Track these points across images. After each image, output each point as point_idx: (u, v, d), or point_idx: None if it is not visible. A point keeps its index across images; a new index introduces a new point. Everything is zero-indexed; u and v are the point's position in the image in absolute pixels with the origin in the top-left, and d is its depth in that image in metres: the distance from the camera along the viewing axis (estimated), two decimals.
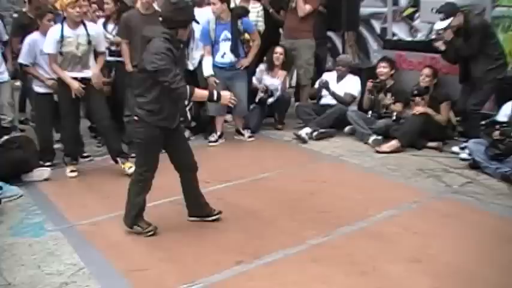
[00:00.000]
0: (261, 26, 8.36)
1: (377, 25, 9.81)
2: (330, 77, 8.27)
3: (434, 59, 7.45)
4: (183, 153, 4.88)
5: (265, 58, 8.43)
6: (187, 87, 4.50)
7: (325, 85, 8.07)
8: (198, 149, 7.23)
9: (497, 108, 6.54)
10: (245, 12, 7.67)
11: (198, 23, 5.03)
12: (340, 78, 8.19)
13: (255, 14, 8.28)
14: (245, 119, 7.85)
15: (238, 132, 7.86)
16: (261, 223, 4.97)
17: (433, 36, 6.92)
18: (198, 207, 5.02)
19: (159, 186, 5.86)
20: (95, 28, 6.40)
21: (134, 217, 4.77)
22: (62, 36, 5.98)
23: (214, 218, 5.00)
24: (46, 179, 6.20)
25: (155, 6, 6.92)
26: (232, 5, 7.68)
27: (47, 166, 6.47)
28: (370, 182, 6.00)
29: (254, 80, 8.19)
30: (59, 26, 6.08)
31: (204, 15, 7.27)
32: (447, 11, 6.56)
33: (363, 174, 6.28)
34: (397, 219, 4.97)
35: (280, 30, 9.02)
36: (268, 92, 8.12)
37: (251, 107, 8.10)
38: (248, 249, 4.44)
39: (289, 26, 8.57)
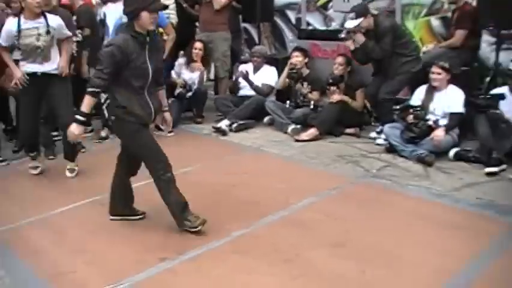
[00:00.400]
0: (174, 19, 8.25)
1: (292, 15, 9.94)
2: (246, 68, 8.31)
3: (347, 48, 7.58)
4: None
5: (181, 52, 8.38)
6: (95, 91, 4.32)
7: (246, 76, 8.09)
8: (117, 147, 7.20)
9: (411, 93, 6.71)
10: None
11: (164, 8, 4.69)
12: (256, 69, 8.24)
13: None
14: None
15: (158, 128, 7.76)
16: None
17: (343, 35, 6.99)
18: (126, 204, 4.93)
19: (77, 188, 5.78)
20: (56, 20, 5.99)
21: (181, 214, 4.59)
22: (19, 30, 5.73)
23: (137, 217, 4.94)
24: None
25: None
26: None
27: None
28: (291, 170, 6.07)
29: (173, 74, 8.14)
30: (15, 19, 5.80)
31: (117, 10, 7.18)
32: (359, 11, 6.69)
33: (283, 164, 6.34)
34: (318, 206, 5.04)
35: (197, 23, 9.01)
36: (187, 87, 8.08)
37: (169, 101, 8.03)
38: (172, 246, 4.40)
39: (204, 19, 8.57)
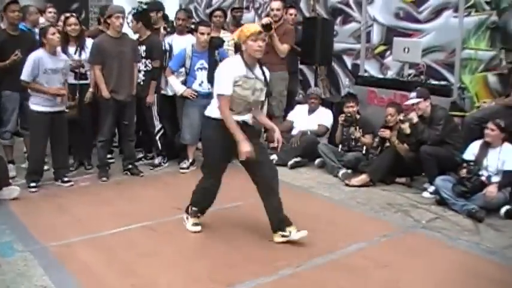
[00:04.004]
0: (232, 55, 8.36)
1: (348, 61, 10.02)
2: (301, 109, 8.42)
3: (404, 97, 7.57)
4: None
5: None
6: None
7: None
8: (170, 175, 7.34)
9: (465, 147, 6.67)
10: (221, 42, 7.79)
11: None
12: (312, 110, 8.36)
13: (226, 44, 8.35)
14: None
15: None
16: (232, 251, 4.99)
17: (401, 117, 7.04)
18: None
19: (129, 212, 5.85)
20: None
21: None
22: None
23: None
24: (15, 198, 6.14)
25: None
26: None
27: (32, 187, 6.51)
28: (341, 214, 6.07)
29: None
30: None
31: (183, 42, 7.68)
32: (421, 92, 6.87)
33: (333, 207, 6.36)
34: (368, 252, 5.03)
35: None
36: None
37: None
38: (219, 277, 4.44)
39: (263, 58, 8.66)
